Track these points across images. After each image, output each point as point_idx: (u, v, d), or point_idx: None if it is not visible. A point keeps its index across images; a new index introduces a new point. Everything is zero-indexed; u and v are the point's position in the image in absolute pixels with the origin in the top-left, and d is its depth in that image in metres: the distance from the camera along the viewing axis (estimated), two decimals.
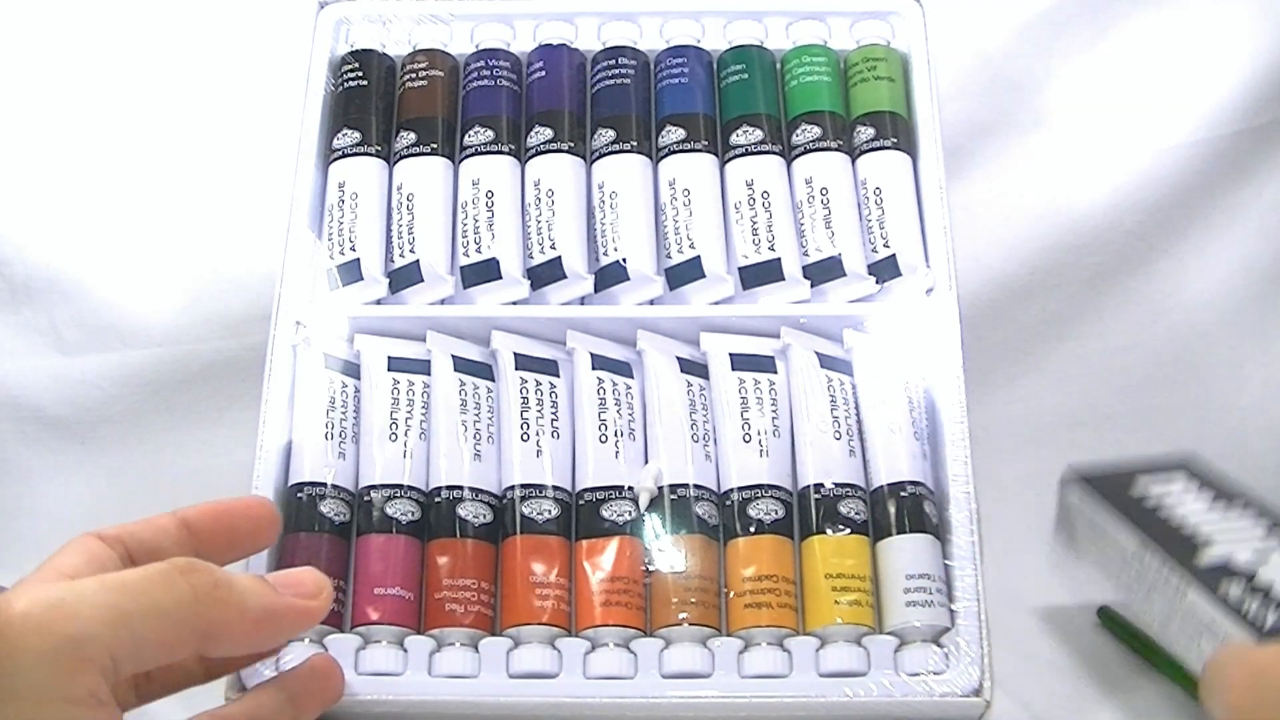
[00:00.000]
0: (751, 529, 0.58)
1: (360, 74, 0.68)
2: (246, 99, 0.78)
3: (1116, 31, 0.78)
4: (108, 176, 0.77)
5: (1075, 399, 0.71)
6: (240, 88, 0.79)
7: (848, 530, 0.57)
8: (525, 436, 0.60)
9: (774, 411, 0.60)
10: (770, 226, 0.64)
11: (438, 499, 0.59)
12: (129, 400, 0.72)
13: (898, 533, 0.57)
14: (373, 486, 0.59)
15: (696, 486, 0.59)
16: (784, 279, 0.63)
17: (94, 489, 0.71)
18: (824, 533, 0.57)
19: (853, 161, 0.66)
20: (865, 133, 0.66)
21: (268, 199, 0.68)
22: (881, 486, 0.58)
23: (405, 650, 0.56)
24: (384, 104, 0.68)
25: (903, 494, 0.58)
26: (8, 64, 0.80)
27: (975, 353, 0.61)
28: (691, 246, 0.63)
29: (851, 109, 0.67)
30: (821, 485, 0.58)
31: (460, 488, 0.59)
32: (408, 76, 0.68)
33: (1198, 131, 0.75)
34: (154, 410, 0.72)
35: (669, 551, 0.57)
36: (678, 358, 0.62)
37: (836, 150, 0.65)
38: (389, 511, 0.58)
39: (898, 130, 0.66)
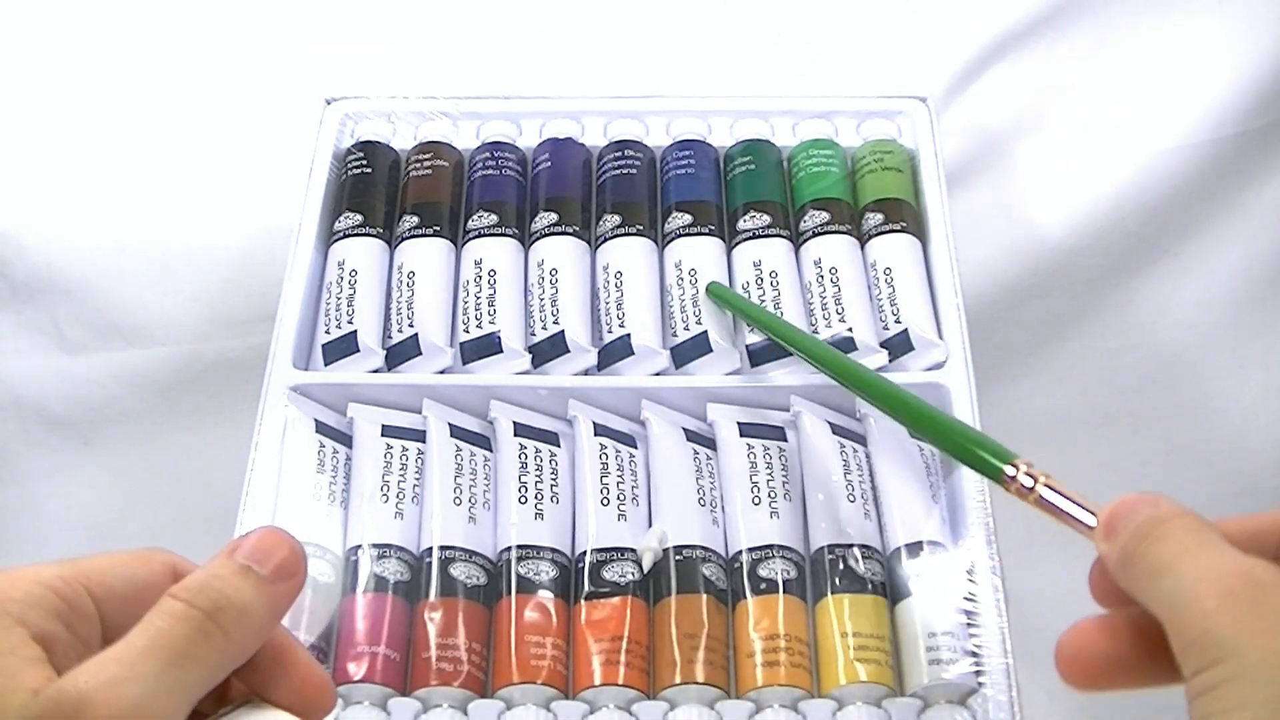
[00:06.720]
0: (762, 587, 0.54)
1: (365, 162, 0.67)
2: (249, 116, 0.78)
3: (1118, 34, 0.79)
4: (111, 175, 0.77)
5: (1075, 399, 0.70)
6: (242, 107, 0.79)
7: (865, 589, 0.54)
8: (523, 499, 0.57)
9: (784, 475, 0.57)
10: (778, 305, 0.62)
11: (428, 559, 0.55)
12: (132, 400, 0.71)
13: (917, 593, 0.54)
14: (360, 547, 0.55)
15: (703, 549, 0.55)
16: (793, 354, 0.61)
17: (96, 489, 0.69)
18: (839, 593, 0.54)
19: (862, 246, 0.65)
20: (874, 219, 0.65)
21: (272, 200, 0.67)
22: (899, 548, 0.55)
23: (389, 713, 0.52)
24: (388, 191, 0.67)
25: (921, 554, 0.55)
26: (16, 67, 0.80)
27: (977, 353, 0.60)
28: (698, 322, 0.61)
29: (860, 198, 0.66)
30: (836, 546, 0.55)
31: (452, 548, 0.55)
32: (413, 167, 0.68)
33: (1199, 133, 0.75)
34: (157, 410, 0.71)
35: (675, 612, 0.54)
36: (684, 428, 0.60)
37: (846, 234, 0.64)
38: (378, 571, 0.55)
39: (905, 216, 0.65)
